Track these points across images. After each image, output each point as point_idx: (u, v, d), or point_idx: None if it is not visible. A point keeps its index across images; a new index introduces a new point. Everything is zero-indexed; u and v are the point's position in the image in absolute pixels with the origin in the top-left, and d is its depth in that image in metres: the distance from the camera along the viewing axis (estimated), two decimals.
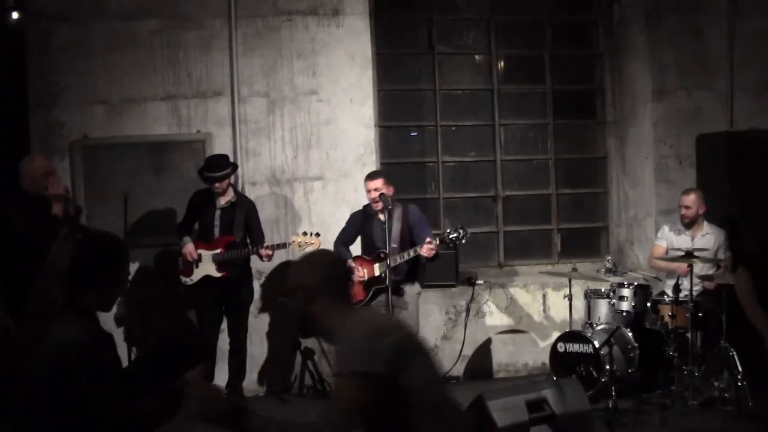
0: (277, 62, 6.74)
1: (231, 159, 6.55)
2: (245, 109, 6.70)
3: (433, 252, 5.65)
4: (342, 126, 6.83)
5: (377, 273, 5.84)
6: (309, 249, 5.99)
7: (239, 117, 6.67)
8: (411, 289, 5.97)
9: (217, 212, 6.02)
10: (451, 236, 5.67)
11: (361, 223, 6.03)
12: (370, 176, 5.99)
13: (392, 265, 5.63)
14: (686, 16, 7.29)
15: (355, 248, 6.23)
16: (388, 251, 5.46)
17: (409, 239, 5.82)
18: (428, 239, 5.65)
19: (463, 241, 5.76)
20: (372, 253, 5.92)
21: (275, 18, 6.73)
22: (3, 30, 6.37)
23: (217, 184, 5.94)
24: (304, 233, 5.97)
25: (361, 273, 5.87)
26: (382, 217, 5.89)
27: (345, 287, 2.89)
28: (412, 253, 5.68)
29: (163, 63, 6.58)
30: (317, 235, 5.93)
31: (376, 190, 5.86)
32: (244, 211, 6.06)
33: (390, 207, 5.54)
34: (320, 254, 3.45)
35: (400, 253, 5.74)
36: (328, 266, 2.85)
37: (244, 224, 6.03)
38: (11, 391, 2.73)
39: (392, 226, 5.81)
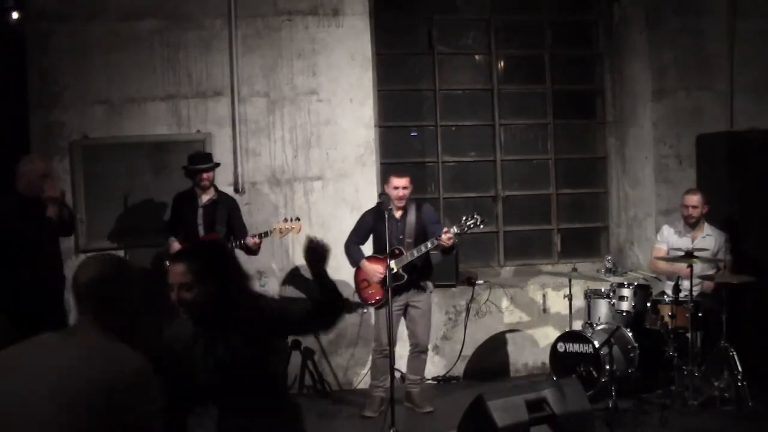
0: (277, 62, 6.74)
1: (231, 159, 6.56)
2: (245, 109, 6.70)
3: (452, 241, 5.67)
4: (342, 126, 6.83)
5: (394, 270, 5.81)
6: (290, 234, 6.02)
7: (239, 117, 6.67)
8: (422, 287, 6.00)
9: (200, 210, 6.04)
10: (468, 222, 5.71)
11: (373, 222, 6.02)
12: (400, 173, 6.00)
13: (409, 259, 5.74)
14: (686, 16, 7.29)
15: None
16: (388, 250, 5.45)
17: (423, 236, 5.85)
18: (445, 228, 5.70)
19: (481, 227, 5.80)
20: (385, 252, 5.92)
21: (275, 18, 6.73)
22: (3, 30, 6.36)
23: (205, 175, 5.98)
24: (285, 219, 5.99)
25: (381, 270, 5.86)
26: (397, 214, 5.93)
27: None
28: (429, 245, 5.71)
29: (163, 63, 6.58)
30: (297, 219, 5.95)
31: (404, 188, 5.89)
32: (226, 208, 6.08)
33: (390, 208, 5.55)
34: None
35: (416, 247, 5.79)
36: None
37: (226, 221, 6.05)
38: None
39: (408, 223, 5.90)
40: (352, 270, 6.06)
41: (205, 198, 6.05)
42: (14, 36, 6.39)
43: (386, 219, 5.38)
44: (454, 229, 5.67)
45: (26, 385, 2.22)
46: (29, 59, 6.41)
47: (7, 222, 5.19)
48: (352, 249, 6.02)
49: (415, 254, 5.76)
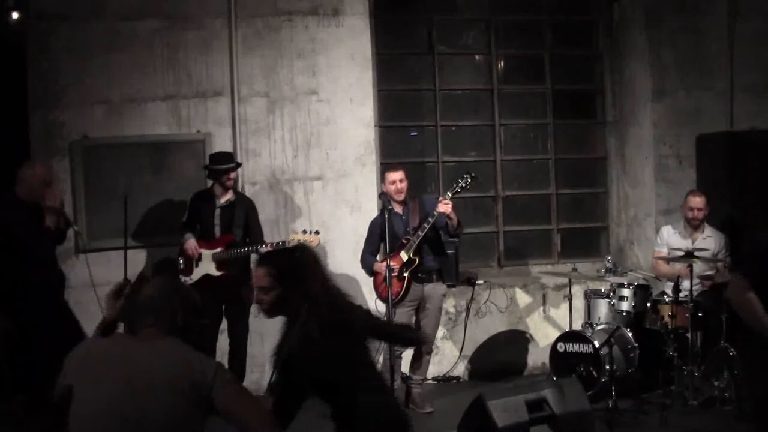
0: (277, 62, 6.74)
1: None
2: (245, 109, 6.70)
3: (449, 206, 5.68)
4: (342, 126, 6.83)
5: (405, 258, 5.86)
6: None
7: (239, 117, 6.67)
8: (436, 289, 6.01)
9: (217, 211, 6.04)
10: (460, 183, 5.78)
11: (380, 224, 6.03)
12: (394, 167, 6.08)
13: (417, 241, 5.77)
14: (686, 16, 7.29)
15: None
16: (388, 248, 5.47)
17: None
18: (440, 198, 5.75)
19: (472, 182, 5.84)
20: (395, 248, 5.90)
21: (275, 18, 6.73)
22: (3, 30, 6.37)
23: (232, 174, 6.01)
24: (304, 231, 5.98)
25: (393, 265, 5.86)
26: (399, 209, 5.98)
27: None
28: (431, 220, 5.75)
29: (163, 63, 6.58)
30: (317, 232, 5.95)
31: (401, 181, 5.96)
32: (244, 209, 6.08)
33: (390, 208, 5.57)
34: None
35: (420, 227, 5.81)
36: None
37: (243, 223, 6.04)
38: None
39: (411, 214, 5.96)
40: (356, 269, 6.12)
41: (223, 199, 6.06)
42: (14, 36, 6.40)
43: (386, 216, 5.41)
44: (448, 194, 5.73)
45: (133, 375, 2.71)
46: (29, 59, 6.41)
47: (7, 224, 5.20)
48: (366, 259, 6.08)
49: (420, 234, 5.79)
